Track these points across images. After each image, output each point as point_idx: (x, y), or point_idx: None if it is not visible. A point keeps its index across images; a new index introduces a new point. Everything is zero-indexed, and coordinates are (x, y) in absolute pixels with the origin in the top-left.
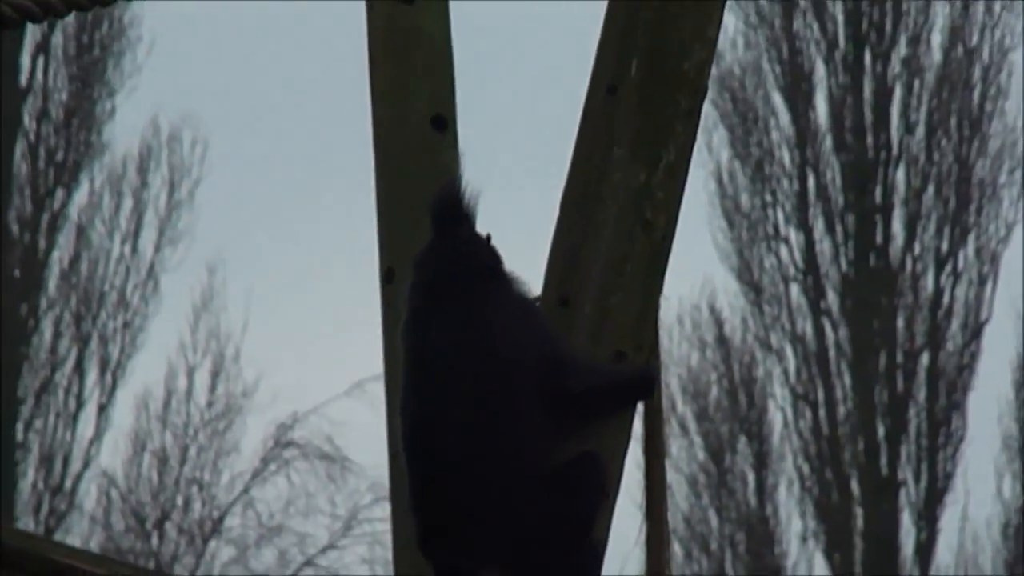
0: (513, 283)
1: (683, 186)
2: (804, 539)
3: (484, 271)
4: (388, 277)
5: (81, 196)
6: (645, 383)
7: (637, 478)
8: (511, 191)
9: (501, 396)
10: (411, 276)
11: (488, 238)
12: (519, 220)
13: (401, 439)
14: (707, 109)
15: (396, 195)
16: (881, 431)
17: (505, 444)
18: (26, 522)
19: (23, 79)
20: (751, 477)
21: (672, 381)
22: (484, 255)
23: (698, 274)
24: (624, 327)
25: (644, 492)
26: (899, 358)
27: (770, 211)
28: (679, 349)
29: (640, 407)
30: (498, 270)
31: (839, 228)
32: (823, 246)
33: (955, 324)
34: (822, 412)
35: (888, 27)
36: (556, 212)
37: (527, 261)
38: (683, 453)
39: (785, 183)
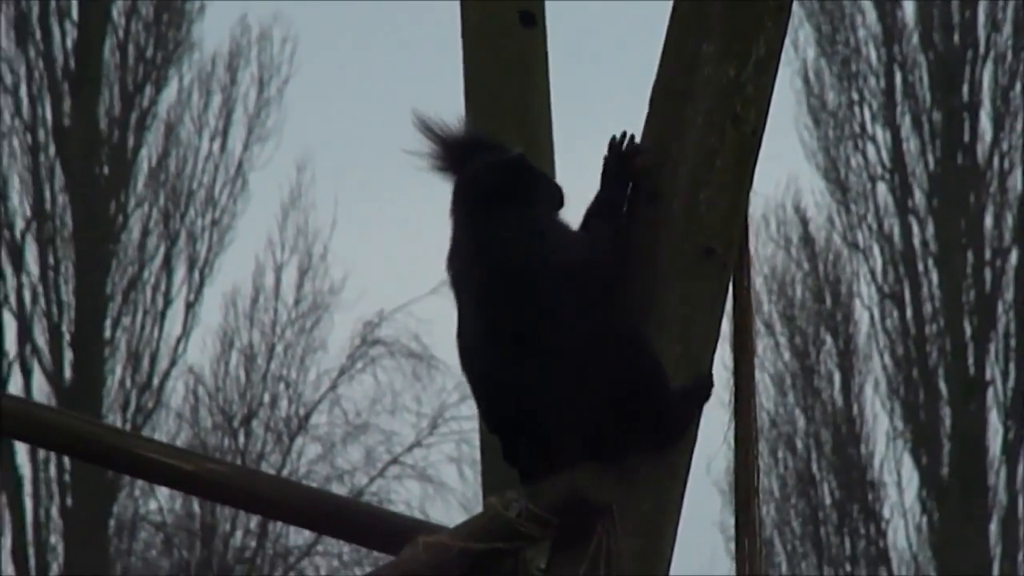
0: (530, 199)
1: (773, 82)
2: (891, 439)
3: (494, 194)
4: None
5: (170, 94)
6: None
7: (724, 378)
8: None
9: (531, 300)
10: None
11: (515, 160)
12: (608, 118)
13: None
14: (794, 7)
15: (484, 90)
16: (968, 330)
17: (549, 342)
18: (113, 419)
19: None
20: (837, 376)
21: (757, 281)
22: (490, 180)
23: (784, 173)
24: (713, 223)
25: (732, 390)
26: (987, 256)
27: (857, 109)
28: (764, 249)
29: (728, 306)
30: (510, 190)
31: (926, 126)
32: (910, 144)
33: None
34: (909, 311)
35: None
36: (645, 109)
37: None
38: (768, 353)
39: (872, 81)
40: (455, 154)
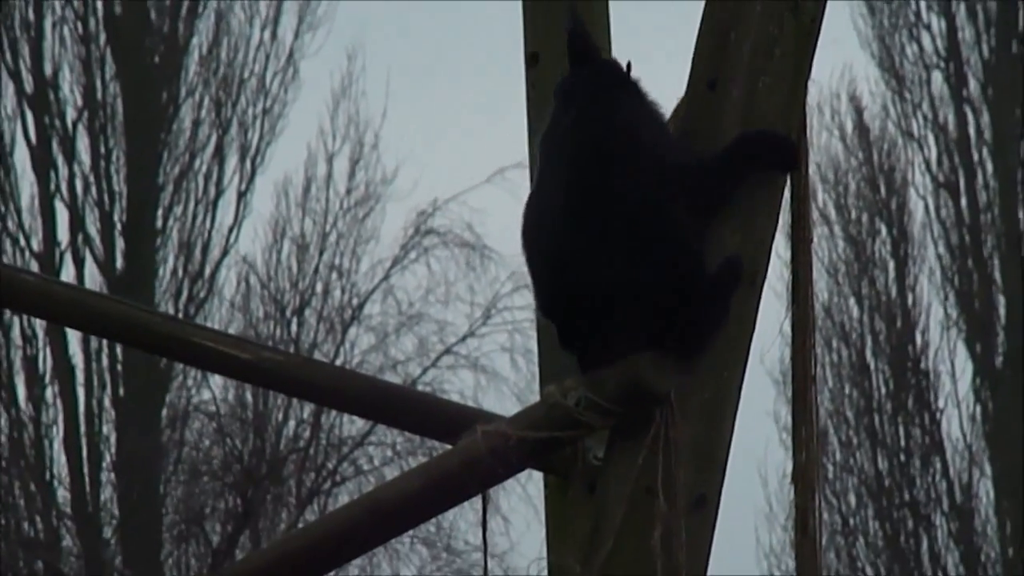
0: (646, 97)
1: None
2: (945, 328)
3: (616, 83)
4: (532, 60)
5: None
6: (783, 146)
7: (779, 270)
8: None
9: (615, 180)
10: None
11: (628, 66)
12: (668, 5)
13: (523, 242)
14: None
15: None
16: (1023, 219)
17: (620, 223)
18: (165, 309)
19: None
20: (892, 266)
21: (812, 170)
22: (618, 72)
23: (838, 62)
24: (772, 111)
25: (789, 278)
26: None
27: None
28: (819, 138)
29: (787, 194)
30: (631, 84)
31: (981, 14)
32: (965, 33)
33: None
34: (963, 200)
35: None
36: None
37: (677, 46)
38: (823, 243)
39: None
40: (582, 45)
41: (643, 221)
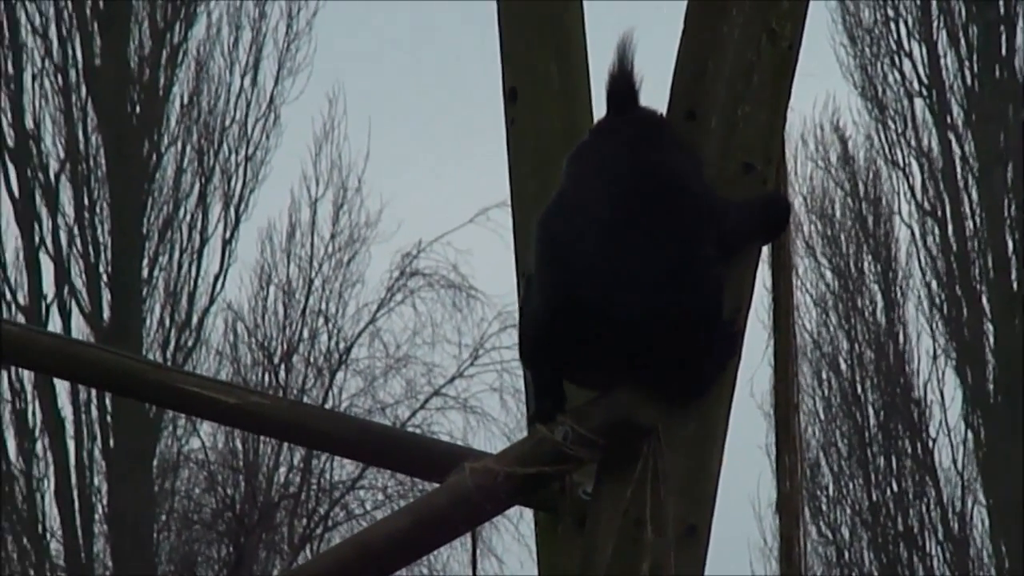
0: (684, 144)
1: None
2: (935, 357)
3: (654, 125)
4: (512, 97)
5: (200, 30)
6: (781, 208)
7: (765, 299)
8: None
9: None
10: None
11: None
12: (644, 35)
13: (545, 252)
14: None
15: (519, 13)
16: (1010, 245)
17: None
18: (154, 358)
19: None
20: (879, 296)
21: (796, 201)
22: (657, 118)
23: (821, 92)
24: (752, 139)
25: (771, 306)
26: None
27: (892, 25)
28: (803, 169)
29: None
30: (671, 130)
31: (963, 41)
32: (947, 60)
33: None
34: (950, 227)
35: None
36: (681, 24)
37: (656, 75)
38: (810, 274)
39: None
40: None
41: (687, 259)
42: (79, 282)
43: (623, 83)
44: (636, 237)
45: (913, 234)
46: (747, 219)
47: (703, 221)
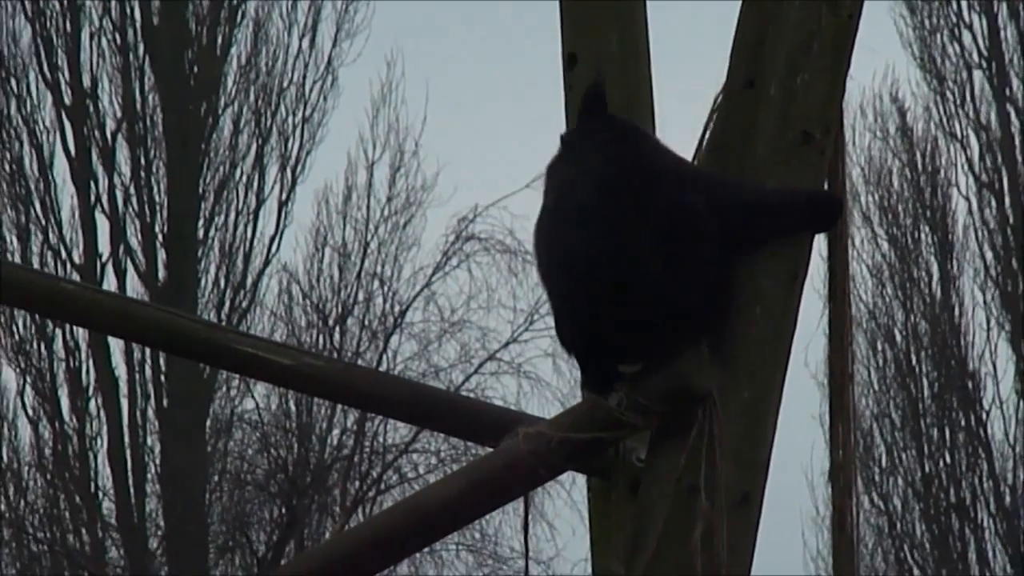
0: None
1: None
2: (989, 329)
3: (634, 127)
4: (571, 63)
5: None
6: (830, 207)
7: (820, 269)
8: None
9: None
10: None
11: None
12: (704, 3)
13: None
14: None
15: None
16: None
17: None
18: (208, 319)
19: None
20: (935, 267)
21: (854, 172)
22: (629, 121)
23: (880, 63)
24: (811, 108)
25: (827, 275)
26: None
27: None
28: (861, 139)
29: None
30: (639, 128)
31: (1023, 13)
32: (1007, 32)
33: None
34: (1007, 200)
35: None
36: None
37: (715, 44)
38: (866, 244)
39: None
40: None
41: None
42: (135, 241)
43: (599, 88)
44: (627, 227)
45: (970, 206)
46: (786, 211)
47: (690, 187)
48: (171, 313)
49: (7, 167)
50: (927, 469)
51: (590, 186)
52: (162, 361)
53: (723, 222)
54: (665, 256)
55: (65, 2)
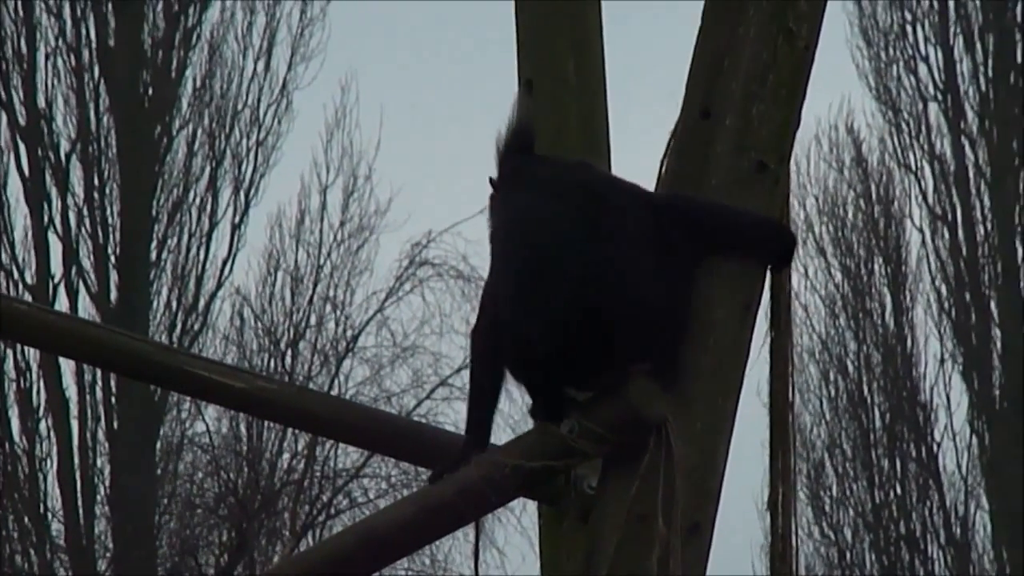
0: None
1: None
2: (942, 361)
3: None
4: (527, 87)
5: (214, 13)
6: (782, 239)
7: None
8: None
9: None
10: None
11: None
12: (660, 33)
13: (508, 304)
14: None
15: (537, 5)
16: (1020, 252)
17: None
18: (160, 341)
19: None
20: (888, 298)
21: (809, 202)
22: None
23: (835, 94)
24: (767, 137)
25: (769, 304)
26: None
27: (909, 29)
28: (816, 170)
29: None
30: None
31: (978, 46)
32: (962, 65)
33: None
34: (960, 233)
35: None
36: (698, 23)
37: (670, 73)
38: (820, 275)
39: (924, 1)
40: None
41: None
42: (87, 263)
43: (529, 127)
44: (575, 245)
45: (924, 238)
46: (746, 223)
47: (648, 210)
48: (124, 335)
49: None
50: (878, 500)
51: (550, 209)
52: (113, 383)
53: (682, 233)
54: (628, 270)
55: (20, 23)
